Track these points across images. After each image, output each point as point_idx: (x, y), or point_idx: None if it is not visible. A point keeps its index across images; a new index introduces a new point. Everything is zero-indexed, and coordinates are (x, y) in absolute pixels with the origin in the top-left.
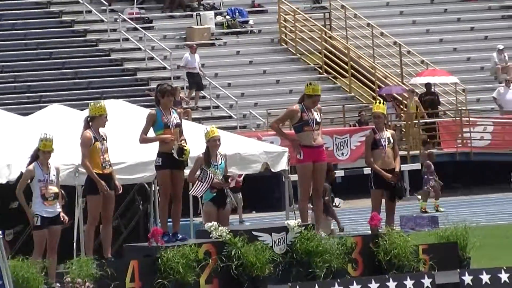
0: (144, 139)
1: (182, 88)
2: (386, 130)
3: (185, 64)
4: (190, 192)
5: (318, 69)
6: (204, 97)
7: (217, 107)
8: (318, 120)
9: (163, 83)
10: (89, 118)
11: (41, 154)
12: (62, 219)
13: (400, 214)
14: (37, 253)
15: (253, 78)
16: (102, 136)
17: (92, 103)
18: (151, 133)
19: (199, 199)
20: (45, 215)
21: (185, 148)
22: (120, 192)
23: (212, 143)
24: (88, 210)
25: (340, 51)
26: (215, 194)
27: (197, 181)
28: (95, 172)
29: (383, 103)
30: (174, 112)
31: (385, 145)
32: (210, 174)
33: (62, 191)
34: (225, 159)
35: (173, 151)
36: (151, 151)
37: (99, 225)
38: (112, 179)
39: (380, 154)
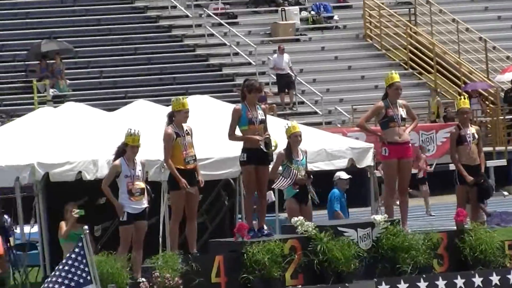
0: (233, 137)
1: (267, 84)
2: (471, 126)
3: (273, 65)
4: (273, 186)
5: (403, 64)
6: (289, 93)
7: (302, 103)
8: (404, 116)
9: (250, 78)
10: (171, 113)
11: (129, 149)
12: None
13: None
14: (123, 248)
15: (338, 74)
16: (186, 131)
17: (174, 99)
18: (236, 129)
19: (284, 195)
20: (131, 211)
21: (271, 140)
22: (202, 186)
23: (294, 138)
24: (172, 206)
25: (425, 47)
26: (297, 190)
27: (281, 177)
28: (178, 168)
29: (467, 99)
30: (259, 108)
31: (470, 141)
32: (294, 171)
33: (148, 187)
34: (306, 155)
35: (260, 144)
36: (237, 146)
37: (184, 221)
38: (196, 174)
39: (465, 150)
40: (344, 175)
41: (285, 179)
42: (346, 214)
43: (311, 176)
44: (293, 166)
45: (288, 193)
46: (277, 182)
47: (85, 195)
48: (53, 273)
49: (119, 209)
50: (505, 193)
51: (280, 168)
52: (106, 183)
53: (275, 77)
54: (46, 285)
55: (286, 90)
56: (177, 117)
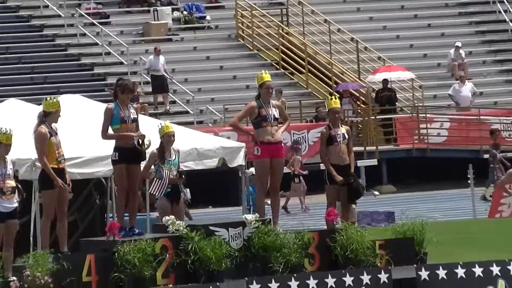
0: (106, 136)
1: (140, 83)
2: (341, 126)
3: (149, 66)
4: (149, 191)
5: (275, 65)
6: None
7: (174, 102)
8: (277, 116)
9: (123, 78)
10: (43, 113)
11: (1, 148)
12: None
13: (357, 210)
14: None
15: (210, 74)
16: (54, 130)
17: (47, 99)
18: (109, 128)
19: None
20: (2, 210)
21: (146, 138)
22: (70, 185)
23: (167, 138)
24: (43, 205)
25: (297, 47)
26: (169, 190)
27: (155, 179)
28: (52, 167)
29: (338, 99)
30: (131, 107)
31: (340, 141)
32: (166, 171)
33: (19, 186)
34: (178, 154)
35: (134, 140)
36: (108, 145)
37: (55, 220)
38: (65, 173)
39: (335, 150)
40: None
41: (160, 182)
42: None
43: (183, 176)
44: (165, 166)
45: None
46: (153, 186)
47: None
48: None
49: None
50: (376, 192)
51: (152, 167)
52: None
53: (148, 78)
54: None
55: (161, 92)
56: (50, 117)
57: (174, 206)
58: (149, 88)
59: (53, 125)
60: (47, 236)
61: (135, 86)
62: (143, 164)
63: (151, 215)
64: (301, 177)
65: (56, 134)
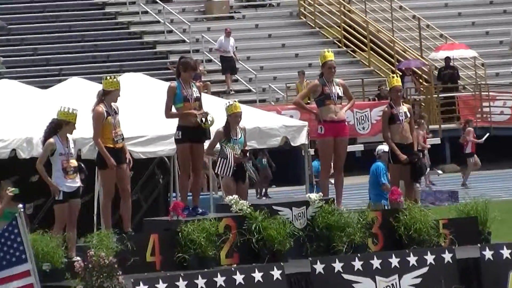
0: (169, 115)
1: (202, 61)
2: (403, 105)
3: (219, 47)
4: (215, 171)
5: (337, 42)
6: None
7: (236, 80)
8: (340, 94)
9: (185, 56)
10: (102, 92)
11: (65, 127)
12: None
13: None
14: (58, 227)
15: (272, 52)
16: (114, 109)
17: (107, 77)
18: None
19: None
20: (65, 190)
21: (208, 114)
22: (131, 164)
23: (234, 118)
24: (102, 184)
25: (359, 25)
26: (234, 168)
27: (220, 159)
28: (107, 146)
29: (399, 77)
30: (194, 86)
31: (402, 119)
32: (229, 150)
33: (82, 165)
34: (244, 133)
35: (198, 118)
36: (172, 124)
37: (119, 199)
38: (124, 153)
39: (398, 129)
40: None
41: (224, 162)
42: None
43: (248, 154)
44: (229, 145)
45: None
46: (219, 166)
47: (18, 173)
48: None
49: (54, 189)
50: (439, 171)
51: (218, 146)
52: (41, 162)
53: (210, 56)
54: None
55: (230, 73)
56: (108, 96)
57: (239, 185)
58: (211, 67)
59: (113, 104)
60: (109, 215)
61: (197, 64)
62: (207, 143)
63: (214, 194)
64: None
65: (116, 113)
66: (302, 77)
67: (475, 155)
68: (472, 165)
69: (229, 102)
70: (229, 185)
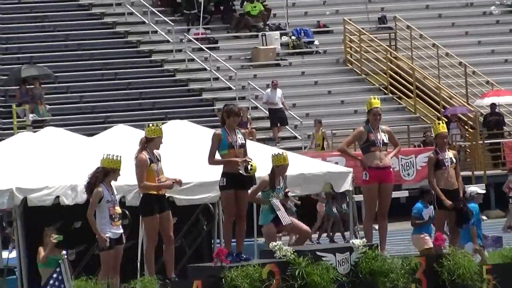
0: (213, 162)
1: (248, 108)
2: (449, 151)
3: (266, 100)
4: (259, 223)
5: (383, 89)
6: (269, 117)
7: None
8: (385, 141)
9: (229, 103)
10: (145, 139)
11: (112, 174)
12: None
13: None
14: (104, 273)
15: (318, 99)
16: (156, 157)
17: (149, 125)
18: (216, 153)
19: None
20: (112, 236)
21: (251, 163)
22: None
23: (281, 170)
24: (145, 231)
25: (405, 72)
26: (274, 215)
27: (278, 212)
28: (151, 194)
29: (444, 123)
30: (239, 133)
31: (448, 165)
32: (277, 202)
33: (126, 211)
34: (285, 179)
35: (239, 167)
36: (216, 171)
37: (162, 245)
38: (165, 200)
39: (443, 175)
40: (480, 190)
41: (281, 213)
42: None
43: (288, 196)
44: (273, 194)
45: (265, 218)
46: (281, 218)
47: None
48: None
49: (101, 239)
50: (484, 217)
51: (260, 194)
52: (92, 211)
53: (255, 103)
54: None
55: (279, 125)
56: (150, 144)
57: (279, 226)
58: (257, 114)
59: (155, 151)
60: (152, 262)
61: (243, 111)
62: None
63: (259, 240)
64: None
65: (158, 160)
66: (318, 126)
67: None
68: None
69: (277, 153)
70: (271, 232)
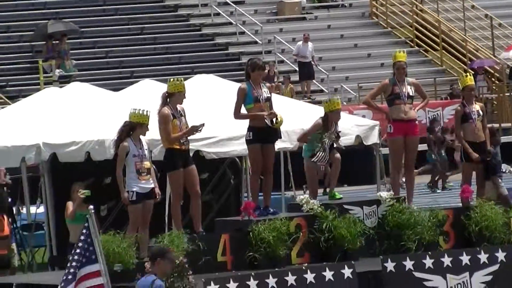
0: (239, 116)
1: (274, 62)
2: (475, 103)
3: (297, 52)
4: (313, 159)
5: (409, 42)
6: (295, 71)
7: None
8: (411, 94)
9: (253, 57)
10: (167, 94)
11: (139, 129)
12: (155, 194)
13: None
14: (132, 227)
15: (344, 52)
16: (180, 112)
17: (171, 80)
18: (241, 107)
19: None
20: (139, 190)
21: (277, 116)
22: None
23: (335, 115)
24: (170, 186)
25: (431, 24)
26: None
27: (319, 152)
28: (175, 148)
29: (472, 76)
30: (264, 86)
31: (475, 118)
32: (327, 141)
33: (154, 166)
34: (337, 124)
35: (266, 120)
36: (243, 125)
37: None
38: (190, 155)
39: (470, 127)
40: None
41: (323, 154)
42: None
43: (339, 136)
44: (326, 135)
45: (308, 152)
46: (317, 157)
47: (91, 175)
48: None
49: (123, 195)
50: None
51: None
52: (120, 168)
53: (282, 56)
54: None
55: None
56: (174, 99)
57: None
58: (283, 67)
59: (178, 106)
60: (179, 216)
61: (270, 66)
62: (277, 144)
63: (286, 194)
64: None
65: (182, 115)
66: (287, 82)
67: None
68: None
69: (330, 99)
70: (313, 168)
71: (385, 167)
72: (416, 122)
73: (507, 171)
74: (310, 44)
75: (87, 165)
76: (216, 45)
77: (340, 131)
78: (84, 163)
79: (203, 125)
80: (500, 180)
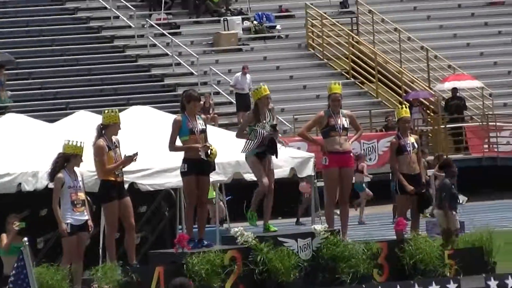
0: (174, 148)
1: (210, 94)
2: (411, 135)
3: (234, 83)
4: (241, 151)
5: (345, 74)
6: (231, 102)
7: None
8: (346, 125)
9: (189, 88)
10: (102, 126)
11: (73, 160)
12: (89, 227)
13: (426, 219)
14: (66, 259)
15: (280, 84)
16: (115, 143)
17: (105, 111)
18: (176, 139)
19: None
20: (73, 223)
21: (211, 148)
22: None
23: (264, 101)
24: (105, 218)
25: (367, 56)
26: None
27: (248, 141)
28: (109, 180)
29: (407, 108)
30: (200, 118)
31: (410, 150)
32: (260, 131)
33: (88, 198)
34: (272, 112)
35: (200, 153)
36: (178, 157)
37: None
38: (124, 187)
39: (405, 160)
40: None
41: (252, 142)
42: None
43: (277, 128)
44: (259, 125)
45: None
46: (245, 146)
47: (27, 207)
48: None
49: (60, 226)
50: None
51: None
52: (56, 201)
53: (217, 88)
54: None
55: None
56: (109, 130)
57: (264, 161)
58: (219, 99)
59: (113, 137)
60: (113, 248)
61: (206, 97)
62: (211, 176)
63: (220, 226)
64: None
65: (116, 147)
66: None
67: None
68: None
69: (256, 87)
70: (255, 161)
71: (320, 200)
72: (351, 154)
73: (463, 202)
74: (248, 76)
75: (22, 197)
76: (152, 76)
77: (276, 124)
78: (18, 195)
79: (136, 154)
80: (454, 213)
